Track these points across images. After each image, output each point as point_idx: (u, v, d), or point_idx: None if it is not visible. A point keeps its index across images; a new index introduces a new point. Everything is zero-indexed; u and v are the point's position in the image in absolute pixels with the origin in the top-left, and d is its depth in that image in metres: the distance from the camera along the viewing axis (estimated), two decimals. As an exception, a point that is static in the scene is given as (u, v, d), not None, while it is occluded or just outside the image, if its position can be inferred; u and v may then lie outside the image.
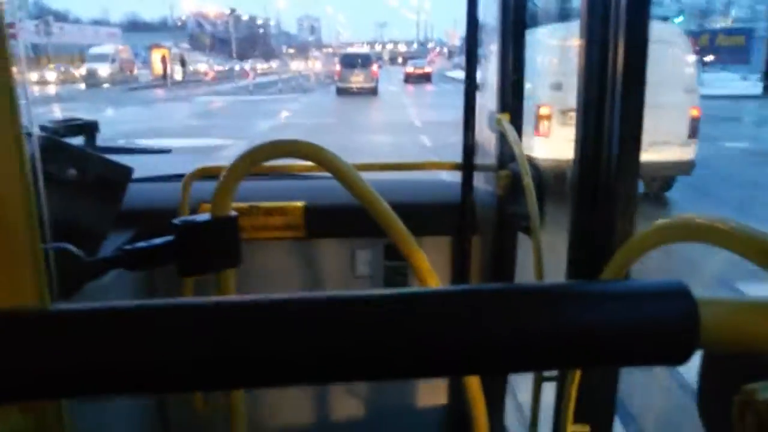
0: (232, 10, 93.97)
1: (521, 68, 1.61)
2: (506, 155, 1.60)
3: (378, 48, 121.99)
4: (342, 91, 28.36)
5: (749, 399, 0.46)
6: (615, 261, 0.69)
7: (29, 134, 0.64)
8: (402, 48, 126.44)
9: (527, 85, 2.56)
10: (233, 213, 1.02)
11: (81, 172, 1.10)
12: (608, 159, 1.08)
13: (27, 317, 0.43)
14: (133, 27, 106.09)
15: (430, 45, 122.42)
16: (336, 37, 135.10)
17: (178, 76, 42.14)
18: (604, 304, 0.44)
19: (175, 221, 1.00)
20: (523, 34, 1.61)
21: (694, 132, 7.68)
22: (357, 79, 28.30)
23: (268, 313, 0.43)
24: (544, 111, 7.39)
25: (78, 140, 1.37)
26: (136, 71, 44.63)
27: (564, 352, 0.43)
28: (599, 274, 0.72)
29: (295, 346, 0.41)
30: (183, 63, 44.28)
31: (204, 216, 1.01)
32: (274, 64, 78.62)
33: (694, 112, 7.64)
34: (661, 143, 7.11)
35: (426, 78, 40.43)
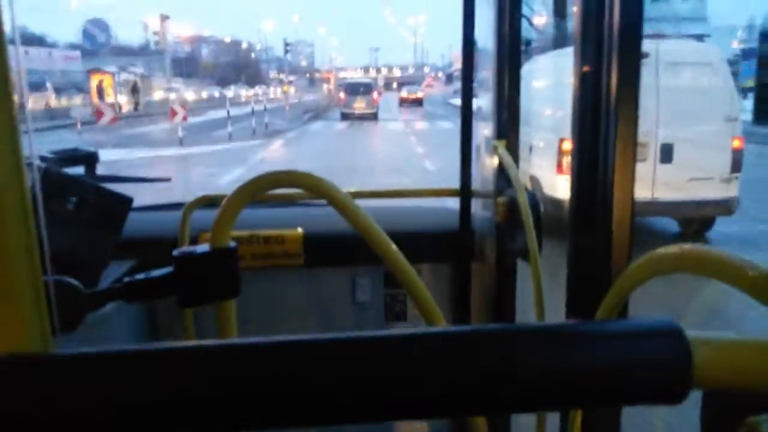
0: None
1: (517, 96, 1.61)
2: (504, 182, 1.61)
3: (372, 73, 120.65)
4: (345, 116, 30.13)
5: (751, 431, 0.48)
6: (611, 295, 0.69)
7: (30, 164, 0.61)
8: (397, 72, 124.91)
9: (547, 114, 5.49)
10: (232, 244, 1.01)
11: (81, 203, 1.09)
12: (603, 193, 1.10)
13: (29, 362, 0.44)
14: (112, 51, 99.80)
15: (426, 69, 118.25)
16: (330, 62, 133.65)
17: (129, 107, 35.49)
18: (598, 345, 0.45)
19: (175, 253, 1.00)
20: (519, 62, 1.61)
21: (737, 166, 6.57)
22: (359, 105, 29.89)
23: (267, 356, 0.44)
24: (567, 145, 6.19)
25: (78, 170, 1.36)
26: (53, 101, 33.84)
27: (560, 394, 0.45)
28: (598, 305, 0.72)
29: (291, 389, 0.43)
30: (135, 90, 37.42)
31: (203, 247, 1.00)
32: (260, 90, 73.12)
33: (737, 143, 6.51)
34: (700, 179, 6.31)
35: (418, 102, 44.43)
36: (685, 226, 7.33)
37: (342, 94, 31.64)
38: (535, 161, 7.29)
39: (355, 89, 30.95)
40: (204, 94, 59.63)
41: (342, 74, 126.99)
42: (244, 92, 71.34)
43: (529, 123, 6.86)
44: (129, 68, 39.91)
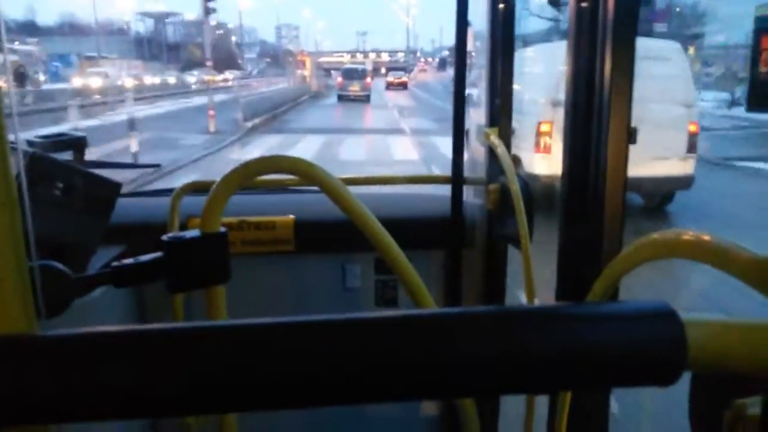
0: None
1: (510, 83, 1.62)
2: (496, 169, 1.61)
3: (359, 57, 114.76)
4: (342, 98, 32.54)
5: (739, 414, 0.49)
6: (602, 279, 0.69)
7: (14, 149, 0.61)
8: (385, 58, 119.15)
9: (526, 98, 6.06)
10: (223, 229, 1.01)
11: (69, 188, 1.09)
12: (595, 176, 1.10)
13: (14, 343, 0.44)
14: (66, 31, 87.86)
15: (416, 54, 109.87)
16: (316, 46, 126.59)
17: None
18: (591, 327, 0.45)
19: (164, 238, 0.99)
20: (512, 50, 1.61)
21: (692, 147, 7.55)
22: (354, 89, 32.47)
23: (259, 337, 0.44)
24: (544, 128, 7.19)
25: (66, 155, 1.37)
26: None
27: (552, 375, 0.45)
28: (588, 291, 0.72)
29: (285, 369, 0.42)
30: (21, 77, 26.94)
31: (193, 232, 0.99)
32: (230, 75, 62.81)
33: (693, 128, 7.49)
34: (661, 158, 7.03)
35: (403, 86, 48.81)
36: (647, 200, 7.95)
37: (339, 79, 34.51)
38: (515, 142, 3.75)
39: (351, 74, 33.56)
40: (156, 80, 49.16)
41: (326, 59, 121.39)
42: (209, 78, 61.31)
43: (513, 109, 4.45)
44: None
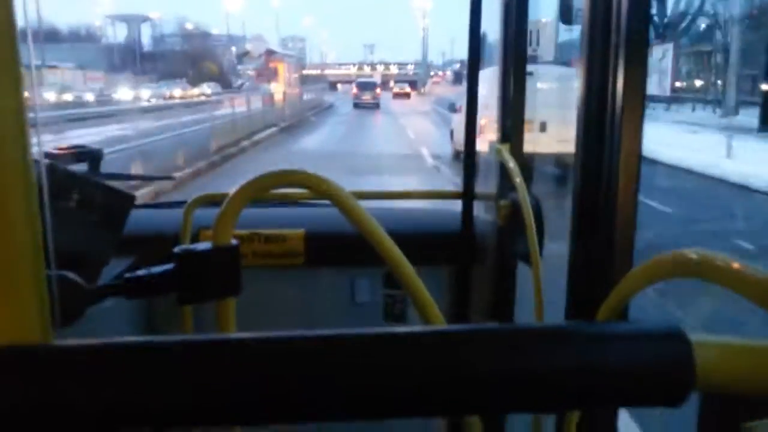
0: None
1: (522, 99, 1.63)
2: (507, 185, 1.61)
3: (367, 70, 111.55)
4: (357, 105, 39.18)
5: None
6: (611, 298, 0.69)
7: (36, 161, 0.61)
8: (394, 70, 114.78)
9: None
10: (234, 242, 1.02)
11: (85, 199, 1.10)
12: (606, 196, 1.12)
13: (30, 353, 0.45)
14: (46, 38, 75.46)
15: (432, 72, 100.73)
16: (322, 58, 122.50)
17: None
18: (599, 347, 0.45)
19: (176, 250, 1.01)
20: (524, 65, 1.63)
21: None
22: (366, 97, 39.80)
23: (269, 351, 0.44)
24: (482, 122, 5.46)
25: (81, 167, 1.39)
26: None
27: (559, 394, 0.45)
28: (598, 308, 0.72)
29: (292, 384, 0.43)
30: None
31: (205, 245, 1.01)
32: (208, 89, 51.21)
33: None
34: (563, 141, 8.39)
35: (406, 96, 57.42)
36: (560, 170, 8.67)
37: (355, 90, 41.73)
38: (459, 128, 11.09)
39: (364, 86, 41.48)
40: (129, 94, 38.14)
41: (332, 71, 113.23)
42: (180, 92, 49.54)
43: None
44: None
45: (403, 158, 14.97)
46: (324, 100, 44.42)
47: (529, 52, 1.66)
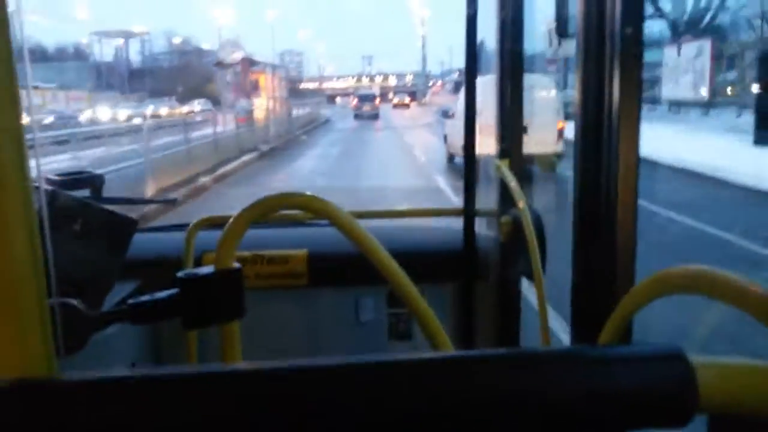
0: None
1: (519, 112, 1.62)
2: (508, 201, 1.60)
3: (366, 81, 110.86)
4: (357, 116, 41.81)
5: None
6: (614, 318, 0.69)
7: (36, 187, 0.62)
8: (392, 81, 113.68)
9: (459, 110, 12.68)
10: (237, 265, 1.02)
11: (87, 225, 1.10)
12: (607, 210, 1.12)
13: (35, 388, 0.45)
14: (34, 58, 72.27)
15: (431, 82, 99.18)
16: (319, 71, 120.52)
17: None
18: (602, 371, 0.46)
19: (179, 275, 1.01)
20: (521, 79, 1.62)
21: (560, 135, 12.62)
22: (366, 108, 42.49)
23: (275, 381, 0.45)
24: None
25: (83, 192, 1.39)
26: None
27: (564, 419, 0.45)
28: (602, 324, 0.73)
29: (296, 414, 0.43)
30: None
31: (208, 269, 1.01)
32: (198, 107, 48.17)
33: (559, 125, 12.68)
34: (542, 143, 11.95)
35: (406, 106, 61.13)
36: (541, 168, 11.65)
37: (355, 102, 46.16)
38: (455, 130, 13.82)
39: (364, 98, 45.10)
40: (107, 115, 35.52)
41: (329, 84, 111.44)
42: (166, 110, 46.46)
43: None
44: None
45: (415, 193, 11.59)
46: (320, 115, 41.73)
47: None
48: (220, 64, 20.82)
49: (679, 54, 26.90)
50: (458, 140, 13.28)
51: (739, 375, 0.46)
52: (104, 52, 74.37)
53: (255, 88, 20.27)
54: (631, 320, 0.71)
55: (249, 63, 20.66)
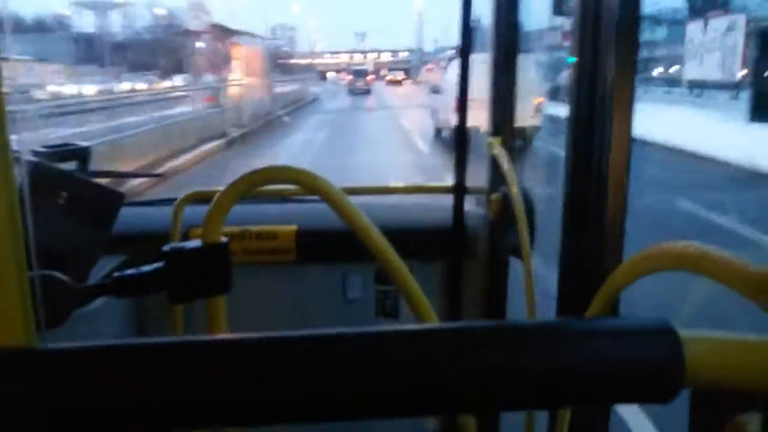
0: None
1: (512, 90, 1.62)
2: (498, 179, 1.59)
3: (359, 58, 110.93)
4: (351, 91, 44.55)
5: (738, 431, 0.49)
6: (602, 293, 0.69)
7: (17, 158, 0.61)
8: (386, 58, 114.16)
9: (448, 89, 14.24)
10: (224, 239, 1.01)
11: (73, 198, 1.09)
12: (597, 188, 1.12)
13: (14, 357, 0.45)
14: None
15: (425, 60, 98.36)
16: (311, 47, 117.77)
17: None
18: (588, 343, 0.46)
19: (165, 248, 0.99)
20: (516, 57, 1.62)
21: (538, 110, 13.32)
22: (360, 84, 45.93)
23: (257, 351, 0.44)
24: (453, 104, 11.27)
25: (70, 165, 1.38)
26: None
27: (550, 392, 0.45)
28: (589, 303, 0.72)
29: (284, 385, 0.43)
30: None
31: (194, 243, 0.99)
32: (180, 81, 45.37)
33: (538, 101, 13.50)
34: (522, 118, 9.59)
35: (399, 83, 63.49)
36: (519, 142, 8.73)
37: (350, 77, 49.03)
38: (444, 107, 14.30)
39: (358, 74, 48.29)
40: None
41: (321, 60, 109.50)
42: (144, 86, 43.53)
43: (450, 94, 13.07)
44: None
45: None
46: (308, 93, 38.97)
47: None
48: (187, 33, 17.79)
49: (705, 30, 24.26)
50: (443, 115, 14.05)
51: (727, 349, 0.45)
52: (85, 23, 70.89)
53: (226, 60, 17.23)
54: (618, 297, 0.70)
55: (222, 32, 17.60)
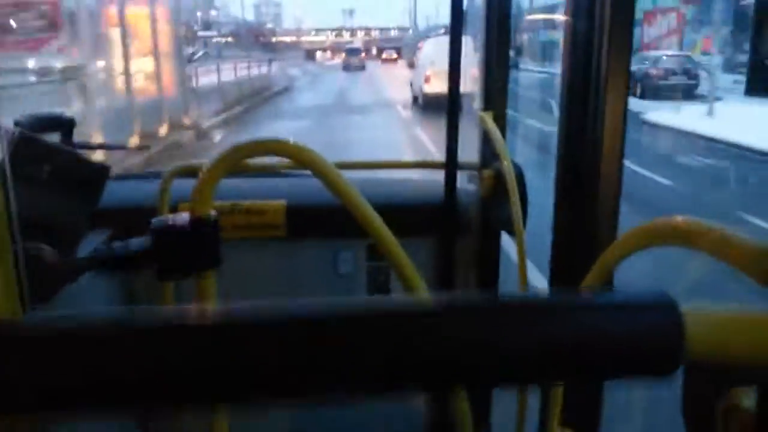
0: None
1: (505, 65, 1.63)
2: (489, 154, 1.61)
3: (347, 36, 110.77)
4: (346, 67, 47.65)
5: (733, 406, 0.48)
6: (597, 267, 0.69)
7: None
8: (375, 35, 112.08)
9: (420, 62, 18.78)
10: (213, 213, 1.00)
11: (56, 170, 1.07)
12: (591, 160, 1.09)
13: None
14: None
15: (409, 32, 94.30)
16: (297, 24, 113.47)
17: None
18: (587, 317, 0.44)
19: (153, 222, 0.99)
20: (509, 32, 1.64)
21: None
22: (353, 61, 48.49)
23: (248, 325, 0.43)
24: (428, 73, 15.55)
25: (54, 136, 1.35)
26: None
27: (543, 366, 0.43)
28: (582, 278, 0.72)
29: (271, 361, 0.41)
30: None
31: (183, 217, 0.99)
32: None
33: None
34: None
35: (394, 61, 65.37)
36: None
37: (344, 55, 53.20)
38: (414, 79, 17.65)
39: (351, 52, 52.17)
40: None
41: (307, 38, 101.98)
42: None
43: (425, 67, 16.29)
44: None
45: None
46: (279, 79, 29.07)
47: None
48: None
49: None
50: (417, 85, 17.88)
51: (727, 323, 0.44)
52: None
53: (52, 26, 8.82)
54: (612, 273, 0.70)
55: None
